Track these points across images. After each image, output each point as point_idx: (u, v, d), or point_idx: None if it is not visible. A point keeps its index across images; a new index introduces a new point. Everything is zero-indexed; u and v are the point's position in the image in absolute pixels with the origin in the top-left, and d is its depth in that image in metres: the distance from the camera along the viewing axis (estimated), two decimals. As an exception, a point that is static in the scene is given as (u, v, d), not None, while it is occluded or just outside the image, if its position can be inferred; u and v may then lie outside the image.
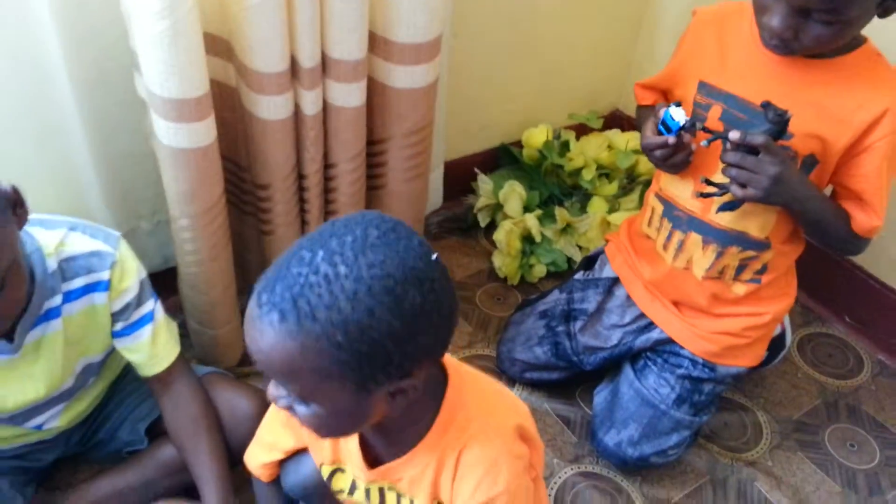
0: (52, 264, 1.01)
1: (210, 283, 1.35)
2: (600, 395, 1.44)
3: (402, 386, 0.74)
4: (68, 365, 1.09)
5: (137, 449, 1.23)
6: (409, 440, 0.86)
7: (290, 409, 0.77)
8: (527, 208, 1.86)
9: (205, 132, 1.16)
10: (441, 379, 0.86)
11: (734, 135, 1.10)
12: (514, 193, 1.86)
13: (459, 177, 1.95)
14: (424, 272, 0.70)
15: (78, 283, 1.03)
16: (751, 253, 1.25)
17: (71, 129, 1.25)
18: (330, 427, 0.78)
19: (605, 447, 1.37)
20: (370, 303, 0.67)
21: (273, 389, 0.77)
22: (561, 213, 1.80)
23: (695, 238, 1.27)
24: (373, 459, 0.90)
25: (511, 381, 1.55)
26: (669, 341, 1.36)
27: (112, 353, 1.17)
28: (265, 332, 0.69)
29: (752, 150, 1.10)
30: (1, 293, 0.89)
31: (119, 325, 1.10)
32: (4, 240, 0.88)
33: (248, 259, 1.51)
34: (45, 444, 1.19)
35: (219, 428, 1.17)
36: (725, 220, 1.23)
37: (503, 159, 2.01)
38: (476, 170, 1.95)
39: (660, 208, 1.32)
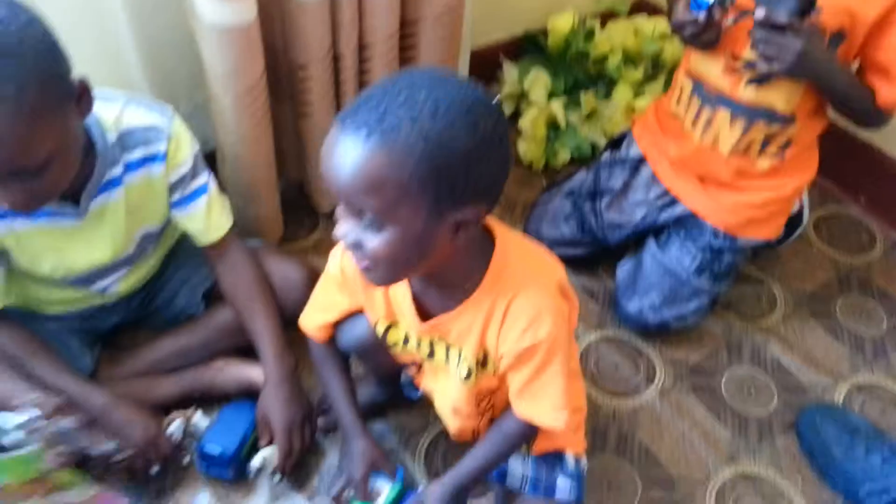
0: (111, 136, 1.07)
1: (254, 162, 1.42)
2: (623, 268, 1.52)
3: (465, 217, 0.80)
4: (129, 233, 1.17)
5: (194, 314, 1.33)
6: (459, 296, 0.93)
7: (356, 246, 0.81)
8: (551, 96, 1.89)
9: (247, 10, 1.20)
10: (489, 239, 0.93)
11: (760, 13, 1.14)
12: (539, 81, 1.89)
13: (484, 65, 1.97)
14: (493, 106, 0.78)
15: (136, 154, 1.10)
16: (776, 128, 1.30)
17: (112, 8, 1.28)
18: (397, 258, 0.81)
19: (628, 313, 1.46)
20: (450, 118, 0.73)
21: (343, 226, 0.81)
22: (587, 98, 1.83)
23: (723, 114, 1.32)
24: (424, 315, 0.98)
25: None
26: (692, 215, 1.43)
27: (168, 223, 1.25)
28: (352, 150, 0.74)
29: (779, 27, 1.14)
30: (42, 174, 0.93)
31: (176, 196, 1.18)
32: (58, 131, 0.93)
33: (283, 145, 1.57)
34: (108, 308, 1.29)
35: (272, 292, 1.26)
36: (752, 95, 1.28)
37: (528, 47, 2.02)
38: (501, 58, 1.98)
39: (689, 86, 1.36)
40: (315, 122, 1.49)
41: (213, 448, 1.18)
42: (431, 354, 1.04)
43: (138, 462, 1.16)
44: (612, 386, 1.41)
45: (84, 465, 1.13)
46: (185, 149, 1.14)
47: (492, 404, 1.11)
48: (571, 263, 1.61)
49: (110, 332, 1.35)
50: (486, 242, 0.93)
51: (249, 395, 1.28)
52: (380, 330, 1.06)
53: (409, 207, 0.77)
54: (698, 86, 1.34)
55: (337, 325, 1.13)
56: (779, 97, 1.27)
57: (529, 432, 1.05)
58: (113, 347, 1.35)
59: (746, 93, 1.28)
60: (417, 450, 1.30)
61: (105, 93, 1.09)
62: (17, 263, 1.12)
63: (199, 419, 1.22)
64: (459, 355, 1.00)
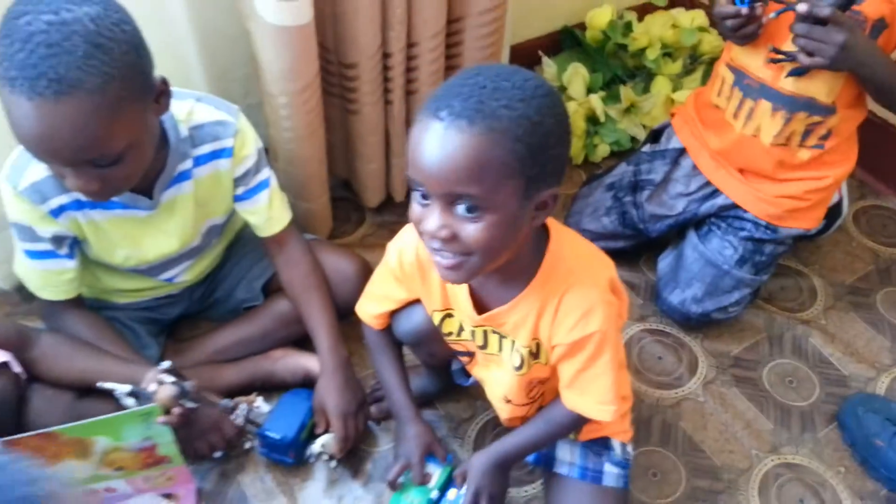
0: (183, 130, 1.13)
1: (306, 158, 1.46)
2: (665, 261, 1.55)
3: (545, 199, 0.85)
4: (197, 225, 1.22)
5: (254, 305, 1.38)
6: (514, 289, 0.97)
7: (451, 239, 0.83)
8: (590, 90, 1.91)
9: (304, 10, 1.24)
10: (545, 234, 0.97)
11: (802, 7, 1.16)
12: (577, 75, 1.91)
13: (523, 61, 1.99)
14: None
15: (205, 148, 1.15)
16: (817, 118, 1.32)
17: (174, 13, 1.33)
18: (493, 245, 0.83)
19: (670, 305, 1.49)
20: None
21: (436, 220, 0.82)
22: (626, 92, 1.86)
23: (764, 105, 1.34)
24: (480, 307, 1.02)
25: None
26: (733, 206, 1.45)
27: (231, 216, 1.30)
28: (454, 140, 0.77)
29: (820, 21, 1.16)
30: (114, 168, 0.98)
31: (240, 190, 1.23)
32: (135, 124, 0.98)
33: (332, 140, 1.61)
34: (172, 299, 1.35)
35: (327, 283, 1.31)
36: (794, 86, 1.30)
37: (566, 42, 2.05)
38: (540, 53, 2.00)
39: (731, 78, 1.38)
40: (363, 118, 1.52)
41: (274, 433, 1.24)
42: (485, 345, 1.08)
43: (203, 446, 1.21)
44: (654, 377, 1.45)
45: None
46: (250, 144, 1.19)
47: (541, 393, 1.14)
48: (612, 256, 1.62)
49: (173, 323, 1.41)
50: (542, 237, 0.97)
51: (306, 383, 1.33)
52: (436, 320, 1.10)
53: (508, 191, 0.81)
54: (740, 77, 1.36)
55: (393, 314, 1.17)
56: (820, 88, 1.29)
57: (576, 422, 1.09)
58: (176, 337, 1.41)
59: (787, 84, 1.31)
60: (466, 437, 1.35)
61: (176, 91, 1.13)
62: (93, 252, 1.18)
63: (261, 405, 1.28)
64: (513, 346, 1.04)
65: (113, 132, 0.94)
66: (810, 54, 1.19)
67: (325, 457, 1.26)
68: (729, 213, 1.47)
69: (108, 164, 0.97)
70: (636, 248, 1.62)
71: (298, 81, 1.33)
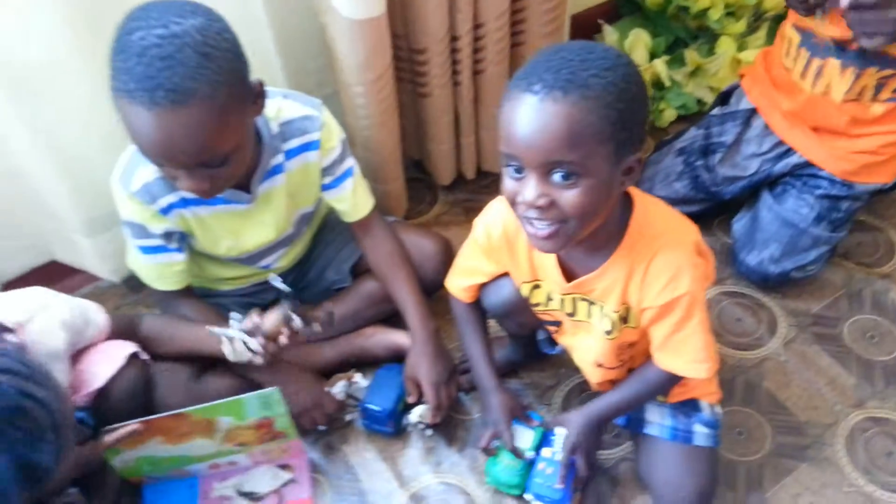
0: (273, 127, 1.19)
1: (382, 143, 1.52)
2: (740, 223, 1.56)
3: (632, 163, 0.89)
4: (289, 215, 1.30)
5: (343, 286, 1.46)
6: (601, 257, 1.02)
7: (548, 207, 0.87)
8: (653, 55, 1.92)
9: (378, 3, 1.29)
10: (628, 201, 1.01)
11: (844, 1, 1.15)
12: (639, 41, 1.92)
13: (583, 30, 2.00)
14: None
15: (294, 143, 1.22)
16: (889, 71, 1.31)
17: (254, 10, 1.39)
18: (588, 210, 0.88)
19: (748, 266, 1.51)
20: (620, 70, 0.84)
21: (534, 190, 0.87)
22: (690, 55, 1.85)
23: (833, 63, 1.34)
24: (568, 277, 1.06)
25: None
26: (807, 165, 1.46)
27: (319, 204, 1.37)
28: (550, 110, 0.83)
29: (869, 5, 1.15)
30: (222, 168, 1.06)
31: (327, 179, 1.29)
32: (240, 126, 1.05)
33: (404, 123, 1.66)
34: (268, 285, 1.43)
35: (411, 261, 1.37)
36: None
37: (626, 8, 2.05)
38: (599, 21, 2.01)
39: (797, 38, 1.38)
40: (434, 101, 1.57)
41: (375, 406, 1.31)
42: (573, 313, 1.13)
43: (306, 422, 1.30)
44: (735, 339, 1.47)
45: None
46: (335, 136, 1.26)
47: (631, 356, 1.18)
48: None
49: (269, 307, 1.49)
50: (627, 203, 1.01)
51: (397, 358, 1.39)
52: (524, 291, 1.15)
53: (601, 156, 0.86)
54: (807, 37, 1.36)
55: (482, 288, 1.22)
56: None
57: (670, 381, 1.12)
58: (272, 320, 1.49)
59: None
60: (552, 404, 1.40)
61: (265, 89, 1.20)
62: (199, 245, 1.27)
63: (360, 381, 1.35)
64: (601, 312, 1.08)
65: (222, 135, 1.01)
66: (870, 37, 1.19)
67: (422, 426, 1.34)
68: (803, 172, 1.47)
69: (218, 164, 1.04)
70: (709, 211, 1.64)
71: (373, 71, 1.38)
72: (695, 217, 1.61)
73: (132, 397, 1.15)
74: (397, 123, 1.55)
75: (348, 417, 1.37)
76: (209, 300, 1.37)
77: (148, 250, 1.23)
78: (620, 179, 0.90)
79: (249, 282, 1.41)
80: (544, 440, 1.25)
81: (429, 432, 1.35)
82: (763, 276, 1.50)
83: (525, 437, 1.25)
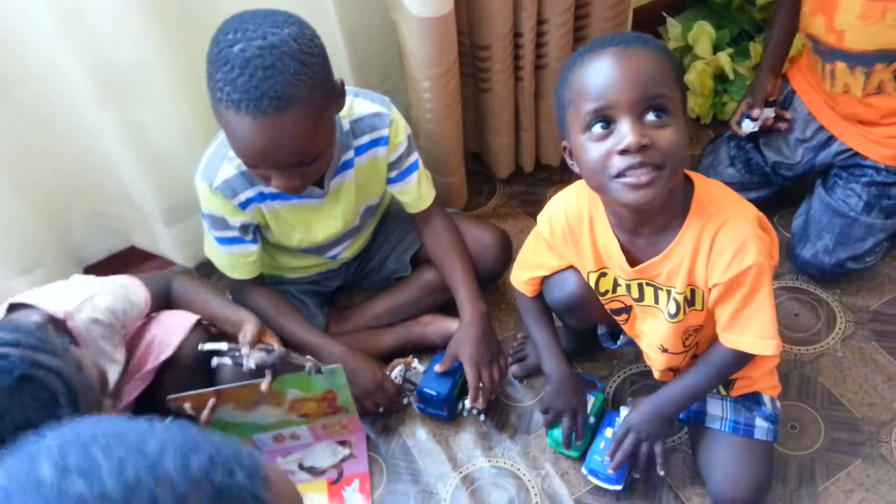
0: (345, 125, 1.25)
1: (445, 136, 1.57)
2: (799, 218, 1.56)
3: (685, 111, 1.00)
4: (357, 207, 1.36)
5: (402, 275, 1.52)
6: (665, 239, 1.05)
7: (646, 148, 0.91)
8: (717, 48, 1.90)
9: (446, 2, 1.33)
10: (688, 181, 1.04)
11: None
12: (703, 34, 1.91)
13: (647, 23, 2.00)
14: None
15: (365, 139, 1.28)
16: None
17: (326, 8, 1.45)
18: (681, 150, 0.95)
19: (803, 259, 1.51)
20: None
21: (633, 134, 0.91)
22: (754, 48, 1.84)
23: (841, 66, 1.36)
24: (633, 262, 1.09)
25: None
26: (850, 152, 1.45)
27: (383, 197, 1.43)
28: (638, 53, 0.94)
29: None
30: (313, 165, 1.13)
31: (393, 173, 1.35)
32: (329, 124, 1.13)
33: (465, 117, 1.69)
34: (333, 273, 1.51)
35: (467, 249, 1.43)
36: (860, 44, 1.31)
37: (690, 0, 2.04)
38: (664, 13, 2.00)
39: (810, 44, 1.41)
40: (495, 95, 1.61)
41: (431, 390, 1.37)
42: (641, 297, 1.15)
43: (369, 404, 1.36)
44: (792, 334, 1.47)
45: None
46: (402, 132, 1.31)
47: (696, 342, 1.19)
48: None
49: (333, 294, 1.57)
50: (687, 186, 1.04)
51: (454, 345, 1.45)
52: (591, 281, 1.18)
53: (678, 98, 0.96)
54: (816, 44, 1.39)
55: (546, 284, 1.26)
56: (889, 37, 1.28)
57: (737, 363, 1.12)
58: (335, 307, 1.56)
59: (853, 43, 1.31)
60: (605, 395, 1.43)
61: None
62: (273, 237, 1.35)
63: (417, 366, 1.41)
64: (669, 295, 1.11)
65: (317, 134, 1.09)
66: None
67: (475, 411, 1.39)
68: (849, 162, 1.46)
69: (310, 162, 1.12)
70: (768, 201, 1.62)
71: (440, 67, 1.43)
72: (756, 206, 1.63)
73: (198, 363, 1.24)
74: (460, 118, 1.60)
75: (406, 401, 1.43)
76: (278, 287, 1.45)
77: (225, 241, 1.30)
78: (684, 125, 0.97)
79: (316, 270, 1.48)
80: (609, 420, 1.29)
81: (482, 417, 1.40)
82: (819, 269, 1.50)
83: (588, 403, 1.30)
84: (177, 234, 1.59)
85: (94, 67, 1.28)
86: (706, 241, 1.03)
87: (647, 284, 1.12)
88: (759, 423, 1.20)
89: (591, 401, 1.30)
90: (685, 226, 1.03)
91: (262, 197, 1.26)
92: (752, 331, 1.06)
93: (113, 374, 1.14)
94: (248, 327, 1.22)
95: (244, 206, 1.26)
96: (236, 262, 1.33)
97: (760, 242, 1.01)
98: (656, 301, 1.13)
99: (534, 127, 1.72)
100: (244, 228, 1.29)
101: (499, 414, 1.42)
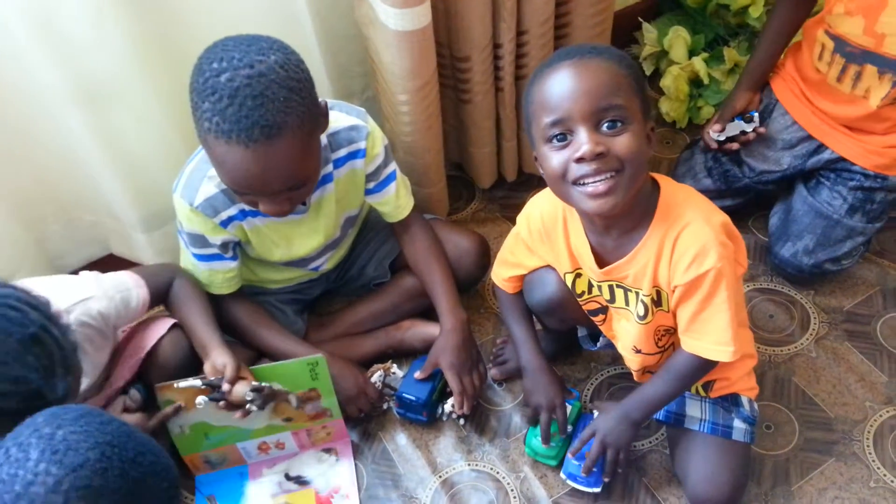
0: (323, 139, 1.25)
1: (425, 148, 1.56)
2: (775, 216, 1.58)
3: (650, 128, 1.01)
4: (337, 219, 1.37)
5: (382, 281, 1.53)
6: (632, 242, 1.07)
7: (603, 155, 0.95)
8: (692, 52, 1.93)
9: (424, 15, 1.33)
10: (655, 187, 1.06)
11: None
12: (678, 39, 1.93)
13: (623, 27, 2.02)
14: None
15: (342, 152, 1.28)
16: None
17: (303, 20, 1.46)
18: (639, 156, 0.98)
19: (782, 259, 1.53)
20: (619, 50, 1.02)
21: (588, 142, 0.95)
22: (729, 52, 1.86)
23: (870, 70, 1.35)
24: (603, 263, 1.12)
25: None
26: (840, 160, 1.46)
27: (362, 208, 1.44)
28: (592, 65, 0.98)
29: None
30: (304, 186, 1.15)
31: (371, 184, 1.36)
32: (317, 147, 1.14)
33: (446, 127, 1.69)
34: (313, 282, 1.51)
35: (446, 255, 1.44)
36: None
37: (666, 5, 2.06)
38: (640, 19, 2.02)
39: (830, 45, 1.39)
40: (476, 106, 1.60)
41: (410, 395, 1.37)
42: (612, 299, 1.17)
43: (350, 408, 1.37)
44: (767, 335, 1.49)
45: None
46: (379, 143, 1.32)
47: (671, 343, 1.20)
48: None
49: (313, 301, 1.57)
50: (654, 189, 1.06)
51: (433, 349, 1.45)
52: (568, 281, 1.20)
53: (636, 105, 0.98)
54: (840, 45, 1.36)
55: (527, 285, 1.28)
56: None
57: (698, 369, 1.13)
58: (315, 314, 1.57)
59: (894, 49, 1.30)
60: (582, 397, 1.44)
61: None
62: (254, 252, 1.35)
63: (397, 371, 1.42)
64: (637, 297, 1.13)
65: (307, 158, 1.11)
66: None
67: (455, 415, 1.40)
68: (837, 166, 1.48)
69: (300, 186, 1.13)
70: (744, 207, 1.65)
71: (419, 80, 1.42)
72: (730, 213, 1.63)
73: (177, 358, 1.27)
74: (440, 130, 1.60)
75: (386, 406, 1.44)
76: (258, 297, 1.45)
77: (204, 258, 1.31)
78: (648, 139, 1.00)
79: (297, 280, 1.49)
80: (583, 422, 1.30)
81: (462, 421, 1.41)
82: (797, 268, 1.51)
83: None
84: (156, 242, 1.58)
85: (69, 73, 1.28)
86: (668, 244, 1.05)
87: (618, 286, 1.14)
88: (738, 424, 1.21)
89: (568, 409, 1.31)
90: (650, 229, 1.05)
91: (243, 214, 1.26)
92: (710, 335, 1.08)
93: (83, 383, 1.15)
94: (219, 360, 1.22)
95: (225, 224, 1.26)
96: (214, 278, 1.34)
97: (721, 248, 1.03)
98: (626, 303, 1.15)
99: (515, 137, 1.72)
100: (224, 246, 1.29)
101: (478, 418, 1.43)
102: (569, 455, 1.26)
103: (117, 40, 1.28)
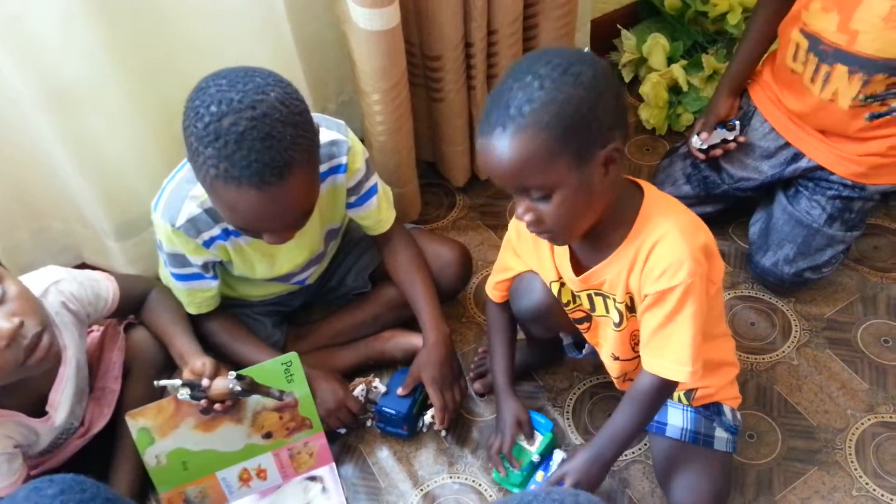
0: None
1: (397, 147, 1.56)
2: (755, 225, 1.58)
3: (608, 153, 0.94)
4: (320, 234, 1.34)
5: (363, 292, 1.50)
6: (611, 247, 1.05)
7: (537, 221, 0.97)
8: (671, 59, 1.93)
9: (394, 14, 1.33)
10: (638, 193, 1.05)
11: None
12: (657, 46, 1.93)
13: (602, 34, 2.03)
14: (584, 56, 0.93)
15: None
16: None
17: (281, 26, 1.44)
18: (571, 215, 0.97)
19: (763, 268, 1.52)
20: (555, 84, 0.90)
21: (520, 209, 0.98)
22: (707, 60, 1.87)
23: (840, 69, 1.34)
24: (582, 270, 1.10)
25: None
26: (818, 168, 1.46)
27: (344, 221, 1.42)
28: (500, 146, 0.92)
29: None
30: (309, 215, 1.13)
31: (353, 198, 1.33)
32: (319, 171, 1.13)
33: (418, 126, 1.69)
34: (294, 294, 1.48)
35: (428, 267, 1.42)
36: (872, 48, 1.29)
37: (645, 12, 2.06)
38: (619, 26, 2.02)
39: (805, 43, 1.38)
40: (448, 105, 1.61)
41: (390, 409, 1.35)
42: (593, 307, 1.16)
43: (333, 422, 1.34)
44: (748, 343, 1.49)
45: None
46: (360, 158, 1.29)
47: None
48: None
49: (292, 313, 1.54)
50: (636, 196, 1.05)
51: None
52: (554, 290, 1.19)
53: (561, 168, 0.93)
54: (814, 43, 1.36)
55: (515, 293, 1.26)
56: None
57: (661, 391, 1.10)
58: (294, 325, 1.54)
59: (865, 47, 1.29)
60: (565, 406, 1.43)
61: None
62: (236, 270, 1.32)
63: (379, 385, 1.40)
64: (613, 304, 1.12)
65: (315, 188, 1.10)
66: None
67: (436, 427, 1.37)
68: (815, 175, 1.48)
69: (309, 214, 1.12)
70: (724, 214, 1.65)
71: (389, 80, 1.42)
72: (711, 219, 1.63)
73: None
74: (411, 129, 1.59)
75: (369, 423, 1.41)
76: (236, 310, 1.41)
77: (183, 277, 1.27)
78: (601, 172, 0.95)
79: (279, 293, 1.46)
80: (544, 464, 1.27)
81: (443, 433, 1.39)
82: (778, 278, 1.51)
83: (536, 440, 1.29)
84: (129, 250, 1.55)
85: (39, 76, 1.25)
86: (643, 252, 1.04)
87: (596, 294, 1.13)
88: (719, 433, 1.20)
89: (540, 439, 1.28)
90: (628, 237, 1.04)
91: (226, 234, 1.23)
92: (670, 353, 1.06)
93: (73, 381, 1.18)
94: (197, 362, 1.20)
95: (208, 244, 1.23)
96: (193, 297, 1.31)
97: (695, 264, 1.01)
98: (606, 310, 1.15)
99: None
100: (205, 266, 1.26)
101: (459, 429, 1.41)
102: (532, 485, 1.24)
103: (89, 44, 1.25)
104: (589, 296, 1.14)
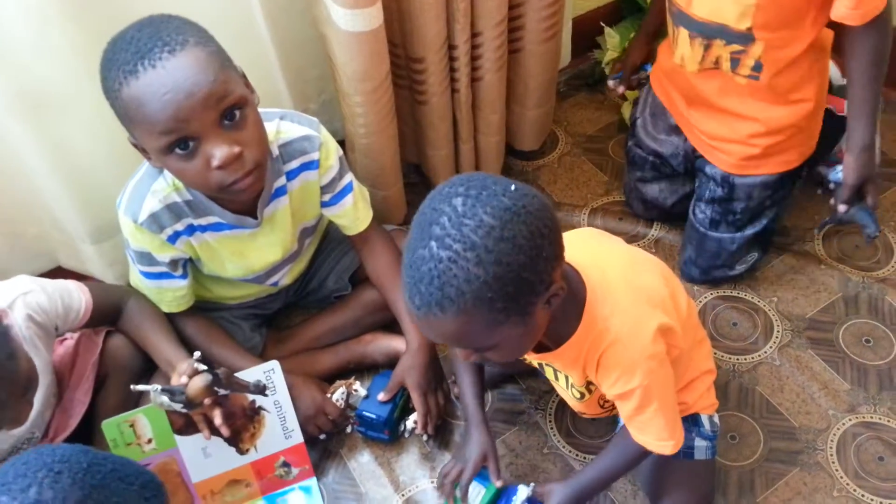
0: (274, 150, 1.21)
1: (380, 150, 1.54)
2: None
3: (551, 293, 0.90)
4: (294, 232, 1.32)
5: (342, 294, 1.49)
6: (561, 337, 1.04)
7: (484, 359, 0.99)
8: (653, 57, 1.92)
9: (376, 15, 1.31)
10: (580, 288, 1.01)
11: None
12: (640, 43, 1.92)
13: (585, 32, 2.01)
14: (514, 207, 0.83)
15: (294, 164, 1.24)
16: (737, 46, 1.27)
17: (259, 24, 1.41)
18: (520, 351, 1.00)
19: (681, 270, 1.57)
20: (490, 253, 0.81)
21: (462, 353, 0.98)
22: (689, 59, 1.86)
23: (683, 33, 1.32)
24: (540, 345, 1.06)
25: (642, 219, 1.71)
26: (703, 167, 1.46)
27: (320, 220, 1.40)
28: (437, 325, 0.87)
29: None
30: (242, 131, 1.07)
31: (327, 196, 1.31)
32: (235, 71, 1.10)
33: (402, 129, 1.67)
34: (272, 297, 1.47)
35: None
36: (704, 11, 1.27)
37: (627, 10, 2.05)
38: (602, 24, 2.01)
39: (667, 7, 1.37)
40: (432, 108, 1.58)
41: (371, 413, 1.34)
42: (556, 377, 1.17)
43: (312, 429, 1.33)
44: (730, 343, 1.49)
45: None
46: (333, 154, 1.27)
47: (613, 404, 1.17)
48: (669, 217, 1.66)
49: (271, 316, 1.52)
50: (580, 292, 1.01)
51: (396, 364, 1.41)
52: None
53: (504, 327, 0.88)
54: (670, 5, 1.34)
55: None
56: (730, 13, 1.23)
57: (648, 453, 1.11)
58: (273, 328, 1.52)
59: (697, 9, 1.27)
60: (547, 409, 1.42)
61: (263, 112, 1.20)
62: (206, 269, 1.30)
63: (360, 389, 1.38)
64: (569, 380, 1.13)
65: (225, 73, 1.06)
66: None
67: (418, 431, 1.36)
68: (700, 168, 1.47)
69: (233, 114, 1.07)
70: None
71: (372, 82, 1.40)
72: (680, 217, 1.60)
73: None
74: (396, 131, 1.57)
75: (350, 429, 1.40)
76: (215, 314, 1.40)
77: (151, 276, 1.25)
78: (545, 310, 0.92)
79: (256, 295, 1.44)
80: (505, 495, 1.21)
81: (425, 437, 1.38)
82: (690, 278, 1.55)
83: (480, 493, 1.23)
84: (105, 253, 1.52)
85: (9, 78, 1.22)
86: (593, 357, 1.02)
87: (547, 366, 1.14)
88: (698, 443, 1.20)
89: (482, 491, 1.23)
90: (573, 338, 1.02)
91: (190, 230, 1.21)
92: (650, 433, 1.06)
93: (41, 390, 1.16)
94: (183, 365, 1.17)
95: (172, 239, 1.21)
96: (163, 296, 1.29)
97: (648, 362, 0.99)
98: (567, 386, 1.16)
99: (472, 139, 1.70)
100: (173, 263, 1.25)
101: (442, 433, 1.40)
102: None
103: (63, 47, 1.23)
104: (544, 364, 1.14)
